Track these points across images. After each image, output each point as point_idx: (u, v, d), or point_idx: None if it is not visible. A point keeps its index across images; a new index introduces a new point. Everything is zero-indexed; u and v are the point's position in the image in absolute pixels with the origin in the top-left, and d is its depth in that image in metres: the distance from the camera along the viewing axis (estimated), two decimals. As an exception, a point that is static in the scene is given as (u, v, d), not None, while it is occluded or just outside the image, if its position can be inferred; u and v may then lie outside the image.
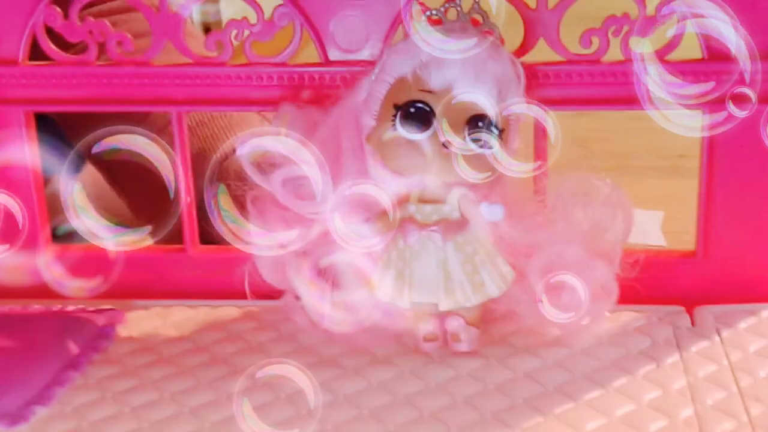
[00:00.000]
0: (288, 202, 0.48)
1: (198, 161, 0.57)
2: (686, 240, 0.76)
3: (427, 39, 0.45)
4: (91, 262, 0.58)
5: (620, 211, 0.49)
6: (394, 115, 0.46)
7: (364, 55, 0.53)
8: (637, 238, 0.78)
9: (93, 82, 0.54)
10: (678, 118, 0.46)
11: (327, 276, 0.48)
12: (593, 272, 0.48)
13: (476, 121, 0.46)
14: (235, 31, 0.52)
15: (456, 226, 0.47)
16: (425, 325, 0.48)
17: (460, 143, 0.45)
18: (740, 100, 0.46)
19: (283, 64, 0.53)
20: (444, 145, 0.45)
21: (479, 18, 0.48)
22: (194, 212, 0.57)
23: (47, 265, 0.50)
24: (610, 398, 0.45)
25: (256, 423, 0.41)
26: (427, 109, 0.46)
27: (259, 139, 0.48)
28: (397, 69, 0.47)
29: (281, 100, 0.53)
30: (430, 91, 0.46)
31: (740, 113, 0.47)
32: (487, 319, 0.50)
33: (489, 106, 0.45)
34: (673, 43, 0.50)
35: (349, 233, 0.46)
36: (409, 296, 0.47)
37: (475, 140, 0.46)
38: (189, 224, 0.57)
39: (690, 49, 0.51)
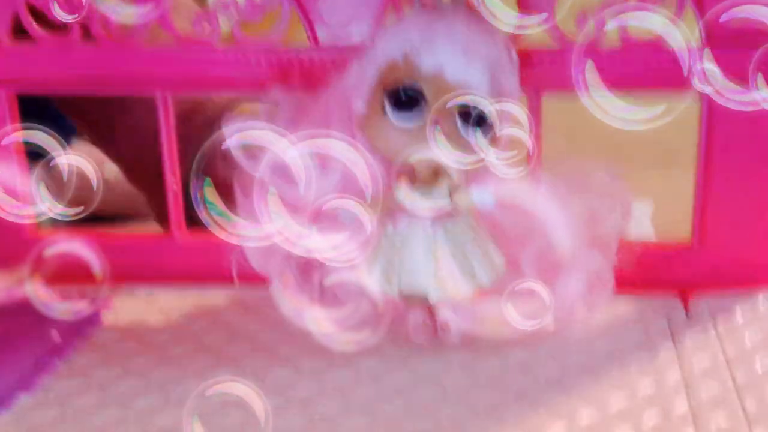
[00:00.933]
0: (276, 186, 0.47)
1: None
2: (677, 234, 0.76)
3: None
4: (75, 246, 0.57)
5: (618, 201, 0.48)
6: (383, 99, 0.45)
7: (354, 37, 0.51)
8: (626, 234, 0.77)
9: (77, 63, 0.53)
10: (616, 111, 0.44)
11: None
12: (588, 261, 0.47)
13: (467, 105, 0.44)
14: (222, 11, 0.51)
15: (446, 212, 0.46)
16: (414, 316, 0.47)
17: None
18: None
19: (271, 46, 0.52)
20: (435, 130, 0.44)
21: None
22: (181, 197, 0.56)
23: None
24: (603, 391, 0.44)
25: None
26: (418, 93, 0.45)
27: (248, 124, 0.47)
28: (388, 52, 0.46)
29: (269, 82, 0.51)
30: (420, 75, 0.45)
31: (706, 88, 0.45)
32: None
33: (482, 89, 0.44)
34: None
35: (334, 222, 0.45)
36: (398, 285, 0.46)
37: (465, 126, 0.45)
38: (175, 209, 0.56)
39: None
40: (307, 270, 0.49)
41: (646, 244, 0.53)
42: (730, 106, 0.43)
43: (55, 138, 0.46)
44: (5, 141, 0.53)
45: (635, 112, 0.44)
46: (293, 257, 0.49)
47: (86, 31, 0.53)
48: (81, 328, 0.51)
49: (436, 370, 0.47)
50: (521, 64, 0.47)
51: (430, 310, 0.47)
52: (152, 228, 0.67)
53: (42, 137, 0.46)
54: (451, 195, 0.46)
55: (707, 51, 0.43)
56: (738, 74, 0.45)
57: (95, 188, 0.47)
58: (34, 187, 0.46)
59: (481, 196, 0.45)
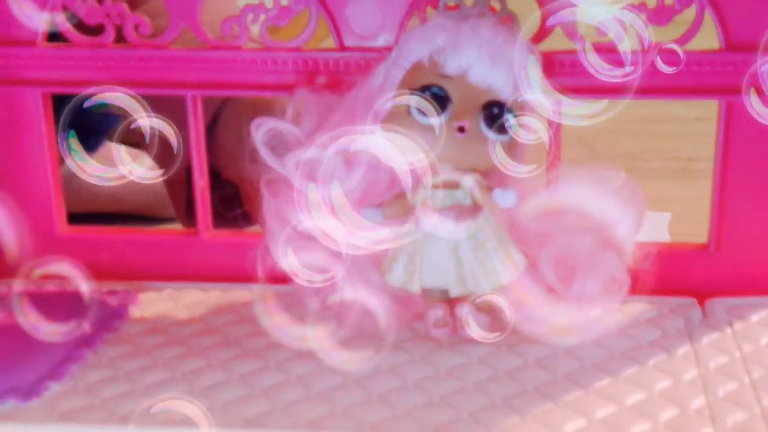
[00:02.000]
0: (302, 184, 0.48)
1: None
2: (694, 241, 0.76)
3: None
4: (104, 244, 0.59)
5: (632, 204, 0.48)
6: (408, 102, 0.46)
7: (380, 41, 0.53)
8: (643, 239, 0.78)
9: (109, 65, 0.55)
10: (564, 108, 0.45)
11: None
12: (604, 263, 0.47)
13: (492, 107, 0.46)
14: (251, 15, 0.52)
15: (468, 211, 0.47)
16: (435, 311, 0.48)
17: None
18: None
19: (297, 49, 0.53)
20: (459, 130, 0.45)
21: (497, 5, 0.48)
22: (208, 197, 0.57)
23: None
24: (620, 387, 0.45)
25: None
26: (442, 94, 0.46)
27: (275, 121, 0.48)
28: (414, 54, 0.47)
29: (296, 85, 0.53)
30: (446, 76, 0.46)
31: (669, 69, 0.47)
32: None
33: (506, 91, 0.46)
34: (690, 33, 0.50)
35: (358, 220, 0.46)
36: (419, 281, 0.47)
37: (490, 126, 0.46)
38: (202, 208, 0.57)
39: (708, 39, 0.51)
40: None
41: (664, 247, 0.53)
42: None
43: (137, 100, 0.46)
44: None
45: (579, 108, 0.45)
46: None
47: (119, 33, 0.54)
48: (109, 322, 0.52)
49: (456, 365, 0.47)
50: (543, 66, 0.48)
51: (450, 307, 0.48)
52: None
53: (124, 100, 0.46)
54: (473, 195, 0.47)
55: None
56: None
57: (176, 151, 0.47)
58: (116, 150, 0.47)
59: (502, 196, 0.46)
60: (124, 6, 0.54)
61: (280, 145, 0.49)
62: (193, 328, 0.52)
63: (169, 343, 0.51)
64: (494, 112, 0.46)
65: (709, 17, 0.50)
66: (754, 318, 0.51)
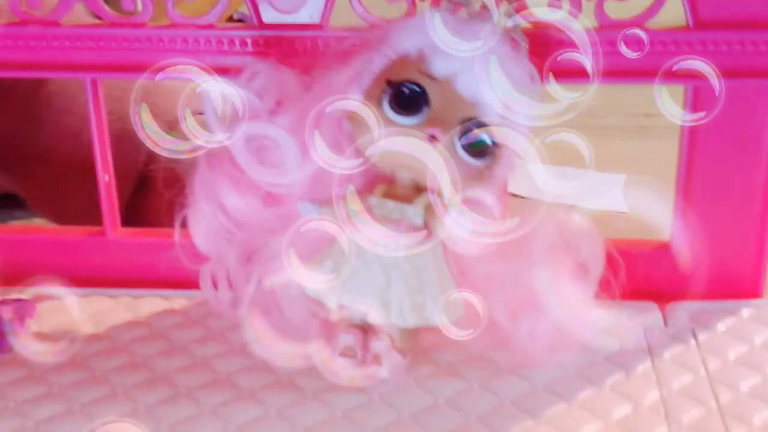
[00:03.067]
0: (247, 164, 0.42)
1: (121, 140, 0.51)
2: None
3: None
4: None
5: (588, 244, 0.43)
6: (383, 92, 0.40)
7: (302, 17, 0.46)
8: (598, 203, 0.74)
9: (-6, 44, 0.48)
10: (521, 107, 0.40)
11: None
12: (559, 305, 0.42)
13: (472, 124, 0.40)
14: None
15: (415, 232, 0.40)
16: (346, 337, 0.42)
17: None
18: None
19: (209, 26, 0.47)
20: (429, 138, 0.39)
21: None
22: (114, 191, 0.51)
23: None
24: (573, 414, 0.40)
25: None
26: (421, 93, 0.40)
27: (226, 87, 0.42)
28: (403, 44, 0.41)
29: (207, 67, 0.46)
30: (431, 76, 0.40)
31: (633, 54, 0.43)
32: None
33: (492, 111, 0.40)
34: (653, 9, 0.45)
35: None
36: (339, 295, 0.41)
37: (465, 147, 0.40)
38: (108, 204, 0.51)
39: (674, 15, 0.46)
40: (248, 258, 0.44)
41: (621, 245, 0.48)
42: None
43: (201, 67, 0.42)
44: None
45: (538, 108, 0.41)
46: (237, 240, 0.44)
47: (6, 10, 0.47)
48: (1, 341, 0.46)
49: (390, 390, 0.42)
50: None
51: (364, 336, 0.42)
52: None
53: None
54: (425, 217, 0.41)
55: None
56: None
57: (240, 116, 0.42)
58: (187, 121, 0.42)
59: (458, 219, 0.39)
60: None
61: (231, 114, 0.42)
62: (97, 346, 0.47)
63: (68, 365, 0.45)
64: (474, 131, 0.40)
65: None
66: (720, 327, 0.46)
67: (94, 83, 0.48)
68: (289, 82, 0.43)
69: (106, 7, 0.47)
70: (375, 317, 0.41)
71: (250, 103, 0.43)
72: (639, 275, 0.48)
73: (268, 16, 0.47)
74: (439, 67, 0.40)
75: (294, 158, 0.42)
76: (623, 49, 0.43)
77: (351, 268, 0.41)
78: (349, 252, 0.41)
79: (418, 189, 0.40)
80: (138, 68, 0.48)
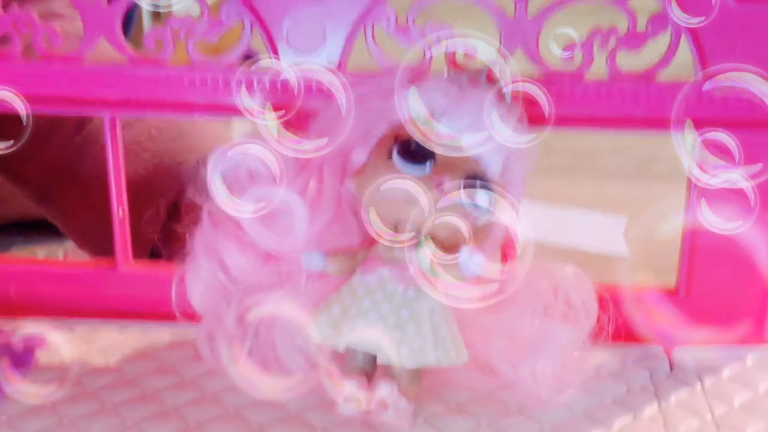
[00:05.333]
0: (254, 229, 0.43)
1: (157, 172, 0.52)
2: (652, 249, 0.73)
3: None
4: (10, 276, 0.53)
5: (582, 296, 0.44)
6: (391, 148, 0.41)
7: (321, 59, 0.47)
8: (598, 246, 0.74)
9: (17, 81, 0.48)
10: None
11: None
12: (555, 342, 0.43)
13: (476, 178, 0.41)
14: (176, 29, 0.46)
15: (422, 275, 0.41)
16: (350, 385, 0.41)
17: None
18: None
19: (229, 67, 0.47)
20: (437, 186, 0.40)
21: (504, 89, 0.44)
22: (127, 225, 0.51)
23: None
24: (581, 457, 0.41)
25: None
26: (428, 151, 0.41)
27: (239, 153, 0.43)
28: (408, 111, 0.42)
29: (226, 106, 0.47)
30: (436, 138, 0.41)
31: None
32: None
33: (494, 168, 0.42)
34: (665, 60, 0.46)
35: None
36: (347, 337, 0.41)
37: (467, 196, 0.41)
38: (121, 237, 0.51)
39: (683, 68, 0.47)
40: (245, 315, 0.44)
41: (629, 290, 0.49)
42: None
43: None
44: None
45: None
46: (233, 299, 0.45)
47: (28, 46, 0.48)
48: (10, 370, 0.46)
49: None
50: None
51: (368, 382, 0.42)
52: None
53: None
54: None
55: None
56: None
57: (296, 92, 0.44)
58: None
59: (470, 260, 0.40)
60: (34, 15, 0.47)
61: (236, 183, 0.43)
62: (107, 378, 0.47)
63: (79, 397, 0.45)
64: (476, 185, 0.41)
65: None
66: (726, 373, 0.47)
67: (112, 121, 0.49)
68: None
69: (127, 45, 0.48)
70: (384, 357, 0.41)
71: (255, 169, 0.43)
72: (645, 320, 0.49)
73: (286, 57, 0.48)
74: (443, 129, 0.41)
75: (303, 220, 0.43)
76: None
77: (359, 309, 0.42)
78: (359, 294, 0.42)
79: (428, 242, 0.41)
80: (157, 106, 0.49)
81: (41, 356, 0.48)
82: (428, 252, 0.40)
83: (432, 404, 0.44)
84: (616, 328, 0.47)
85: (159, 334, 0.50)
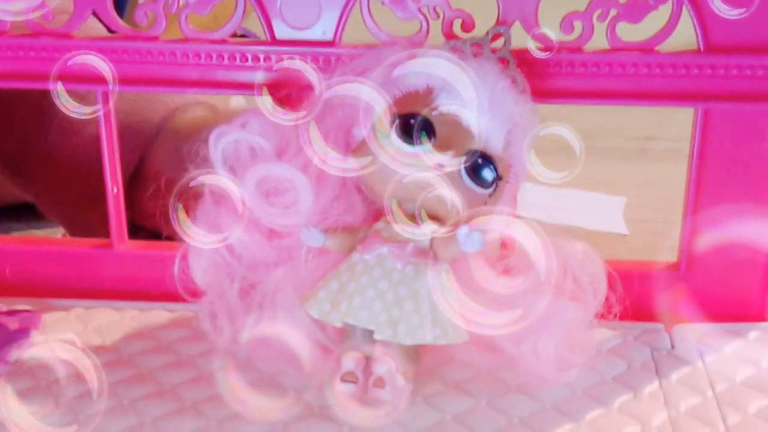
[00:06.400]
0: (258, 206, 0.43)
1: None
2: (653, 229, 0.72)
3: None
4: (5, 255, 0.52)
5: (590, 273, 0.43)
6: (392, 123, 0.41)
7: (316, 33, 0.47)
8: (598, 225, 0.74)
9: (7, 55, 0.48)
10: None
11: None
12: (559, 322, 0.42)
13: (477, 155, 0.41)
14: (168, 1, 0.46)
15: (422, 253, 0.41)
16: (347, 362, 0.41)
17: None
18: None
19: (222, 41, 0.47)
20: (436, 167, 0.40)
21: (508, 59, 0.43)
22: (122, 203, 0.50)
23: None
24: (581, 434, 0.40)
25: None
26: (428, 124, 0.41)
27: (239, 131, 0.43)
28: (409, 83, 0.42)
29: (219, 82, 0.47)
30: (437, 111, 0.41)
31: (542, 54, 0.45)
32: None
33: (496, 143, 0.41)
34: (665, 32, 0.45)
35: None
36: (345, 313, 0.41)
37: (468, 173, 0.41)
38: (116, 216, 0.51)
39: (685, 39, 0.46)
40: (247, 291, 0.44)
41: (630, 266, 0.48)
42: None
43: None
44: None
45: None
46: (236, 275, 0.44)
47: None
48: (7, 351, 0.46)
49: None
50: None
51: (365, 360, 0.41)
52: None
53: None
54: (432, 241, 0.41)
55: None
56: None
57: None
58: None
59: (468, 238, 0.39)
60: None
61: (238, 161, 0.43)
62: (103, 358, 0.46)
63: (74, 378, 0.44)
64: (479, 162, 0.41)
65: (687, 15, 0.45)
66: (727, 349, 0.46)
67: (105, 96, 0.48)
68: (284, 126, 0.43)
69: (120, 20, 0.47)
70: (381, 334, 0.41)
71: (257, 146, 0.43)
72: (647, 297, 0.48)
73: (281, 31, 0.47)
74: (445, 103, 0.41)
75: (307, 197, 0.42)
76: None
77: (357, 285, 0.41)
78: (357, 271, 0.41)
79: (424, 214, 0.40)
80: (150, 82, 0.48)
81: (36, 336, 0.48)
82: (428, 229, 0.40)
83: (431, 383, 0.44)
84: (617, 304, 0.46)
85: (155, 313, 0.50)
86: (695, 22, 0.45)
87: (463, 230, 0.39)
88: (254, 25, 0.50)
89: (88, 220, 0.60)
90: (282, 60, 0.46)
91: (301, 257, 0.43)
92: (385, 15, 0.46)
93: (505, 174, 0.42)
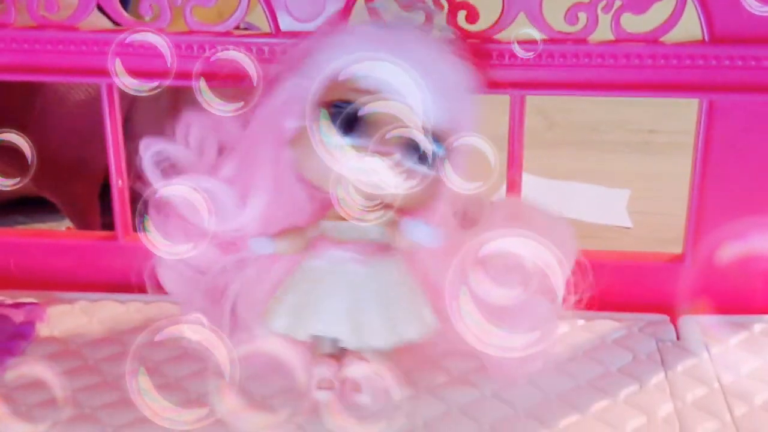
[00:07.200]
0: (189, 214, 0.42)
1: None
2: (657, 222, 0.72)
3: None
4: (10, 248, 0.52)
5: (560, 242, 0.40)
6: (325, 112, 0.39)
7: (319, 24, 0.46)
8: (602, 218, 0.74)
9: (12, 48, 0.48)
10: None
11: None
12: (530, 308, 0.41)
13: (412, 132, 0.39)
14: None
15: (376, 248, 0.40)
16: (321, 369, 0.39)
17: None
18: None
19: (227, 33, 0.47)
20: (374, 152, 0.38)
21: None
22: (126, 196, 0.51)
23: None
24: (587, 425, 0.40)
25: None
26: (354, 111, 0.38)
27: (166, 143, 0.43)
28: (327, 65, 0.40)
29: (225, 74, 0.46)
30: (361, 91, 0.39)
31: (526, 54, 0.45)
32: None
33: (427, 117, 0.39)
34: (670, 23, 0.45)
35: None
36: (309, 326, 0.40)
37: (406, 153, 0.39)
38: (120, 209, 0.51)
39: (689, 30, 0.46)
40: (215, 296, 0.44)
41: (635, 257, 0.48)
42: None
43: None
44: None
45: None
46: (203, 282, 0.44)
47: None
48: (12, 343, 0.46)
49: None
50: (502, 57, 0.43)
51: (339, 363, 0.40)
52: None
53: None
54: (384, 231, 0.40)
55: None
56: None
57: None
58: None
59: (414, 228, 0.39)
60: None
61: (170, 169, 0.43)
62: (108, 350, 0.46)
63: (79, 369, 0.45)
64: (415, 141, 0.38)
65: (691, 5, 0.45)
66: (732, 341, 0.46)
67: (110, 88, 0.48)
68: (226, 125, 0.43)
69: (124, 13, 0.47)
70: (349, 343, 0.40)
71: (188, 158, 0.43)
72: (652, 288, 0.49)
73: (285, 24, 0.47)
74: (368, 80, 0.39)
75: (234, 206, 0.42)
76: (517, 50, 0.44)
77: (317, 296, 0.40)
78: (314, 280, 0.40)
79: (369, 203, 0.39)
80: (155, 74, 0.48)
81: (41, 329, 0.48)
82: (374, 215, 0.39)
83: (435, 374, 0.44)
84: (623, 297, 0.46)
85: (159, 306, 0.50)
86: (700, 13, 0.45)
87: (421, 225, 0.39)
88: (257, 19, 0.50)
89: (73, 189, 0.59)
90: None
91: (261, 266, 0.42)
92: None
93: (446, 146, 0.40)
